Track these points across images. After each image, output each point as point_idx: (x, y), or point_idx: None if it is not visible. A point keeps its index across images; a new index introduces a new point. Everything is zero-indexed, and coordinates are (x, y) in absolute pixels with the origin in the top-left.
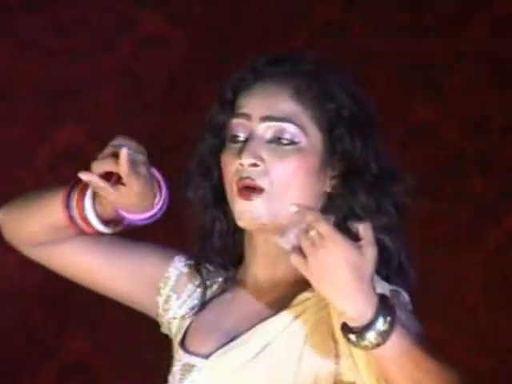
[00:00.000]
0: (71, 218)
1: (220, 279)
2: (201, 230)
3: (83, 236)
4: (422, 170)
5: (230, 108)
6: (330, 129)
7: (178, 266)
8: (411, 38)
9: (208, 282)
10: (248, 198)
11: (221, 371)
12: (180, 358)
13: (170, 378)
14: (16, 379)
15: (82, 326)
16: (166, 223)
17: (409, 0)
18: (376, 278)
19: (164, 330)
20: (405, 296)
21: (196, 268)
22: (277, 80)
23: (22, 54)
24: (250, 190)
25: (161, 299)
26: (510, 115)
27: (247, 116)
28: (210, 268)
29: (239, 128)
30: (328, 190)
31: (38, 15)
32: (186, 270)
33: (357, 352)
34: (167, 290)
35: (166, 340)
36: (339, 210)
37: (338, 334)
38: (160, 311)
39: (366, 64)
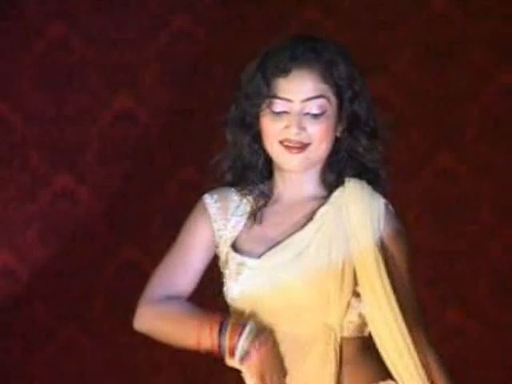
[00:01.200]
0: (219, 347)
1: (257, 194)
2: (240, 160)
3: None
4: None
5: (268, 81)
6: (342, 96)
7: (212, 205)
8: None
9: (245, 199)
10: (295, 153)
11: (269, 268)
12: (233, 258)
13: (227, 272)
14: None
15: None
16: None
17: None
18: (377, 195)
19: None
20: (390, 207)
21: (239, 188)
22: (307, 67)
23: None
24: (296, 147)
25: (218, 238)
26: None
27: (289, 100)
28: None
29: (279, 106)
30: (338, 135)
31: None
32: (219, 202)
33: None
34: (217, 226)
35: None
36: (344, 150)
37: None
38: (220, 244)
39: None
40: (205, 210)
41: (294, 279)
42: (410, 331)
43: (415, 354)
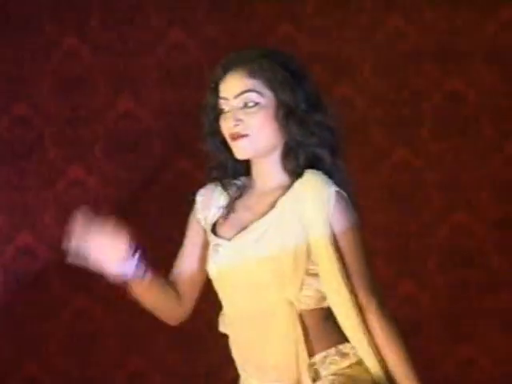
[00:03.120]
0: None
1: (235, 187)
2: (216, 161)
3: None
4: None
5: (216, 92)
6: (277, 89)
7: (199, 200)
8: None
9: (227, 190)
10: (239, 141)
11: (236, 249)
12: (212, 240)
13: (208, 254)
14: None
15: None
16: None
17: None
18: (330, 184)
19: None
20: (343, 193)
21: (220, 183)
22: (237, 69)
23: None
24: (238, 137)
25: (203, 224)
26: None
27: (226, 98)
28: (226, 183)
29: (223, 105)
30: (287, 128)
31: None
32: (204, 196)
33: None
34: (201, 216)
35: None
36: (291, 149)
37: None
38: (206, 230)
39: None
40: (195, 204)
41: (254, 259)
42: (357, 297)
43: (359, 318)
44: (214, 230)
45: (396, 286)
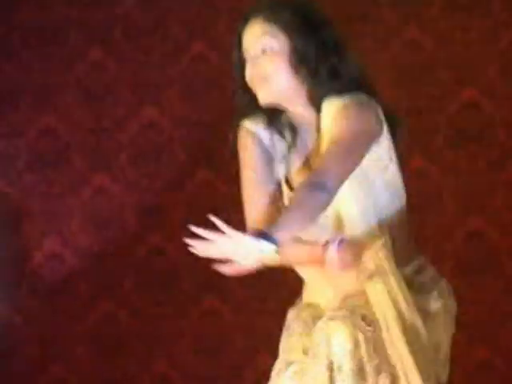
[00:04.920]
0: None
1: (286, 129)
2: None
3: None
4: None
5: (240, 45)
6: (292, 33)
7: (262, 133)
8: None
9: (283, 136)
10: (259, 88)
11: None
12: (286, 193)
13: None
14: None
15: None
16: None
17: None
18: (340, 98)
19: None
20: (360, 96)
21: (275, 129)
22: (256, 17)
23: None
24: (258, 81)
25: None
26: None
27: (246, 48)
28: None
29: (246, 55)
30: (307, 70)
31: None
32: (267, 130)
33: None
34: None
35: None
36: (318, 80)
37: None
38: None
39: None
40: (253, 136)
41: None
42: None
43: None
44: (286, 180)
45: None
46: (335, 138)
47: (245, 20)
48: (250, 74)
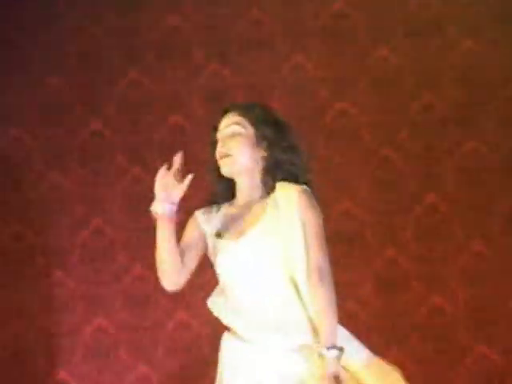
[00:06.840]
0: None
1: (225, 206)
2: (215, 192)
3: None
4: None
5: (215, 132)
6: (257, 126)
7: (201, 216)
8: None
9: (219, 210)
10: (223, 159)
11: (242, 246)
12: (217, 243)
13: (211, 253)
14: None
15: None
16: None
17: None
18: (296, 186)
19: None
20: (308, 190)
21: (212, 205)
22: (231, 111)
23: None
24: (223, 156)
25: (208, 237)
26: None
27: (219, 129)
28: (219, 203)
29: (218, 136)
30: (264, 155)
31: None
32: (205, 214)
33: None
34: (208, 228)
35: None
36: (271, 164)
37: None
38: (208, 241)
39: None
40: (196, 219)
41: (256, 254)
42: (309, 278)
43: (308, 297)
44: (218, 236)
45: (426, 300)
46: (311, 233)
47: (224, 112)
48: (218, 150)
